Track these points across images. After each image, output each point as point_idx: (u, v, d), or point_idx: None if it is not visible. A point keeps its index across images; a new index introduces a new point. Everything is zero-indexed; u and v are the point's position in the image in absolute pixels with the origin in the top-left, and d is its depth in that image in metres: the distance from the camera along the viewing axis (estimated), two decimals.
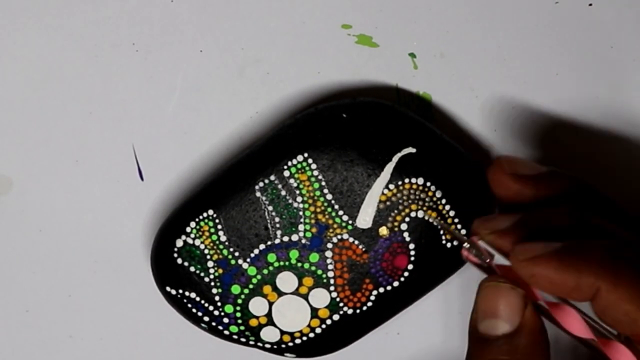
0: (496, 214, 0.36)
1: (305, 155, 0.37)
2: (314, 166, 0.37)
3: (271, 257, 0.38)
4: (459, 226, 0.38)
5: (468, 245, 0.35)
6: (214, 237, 0.38)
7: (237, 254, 0.38)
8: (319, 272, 0.38)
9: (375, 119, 0.38)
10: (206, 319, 0.39)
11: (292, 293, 0.39)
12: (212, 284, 0.38)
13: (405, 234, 0.38)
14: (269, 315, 0.39)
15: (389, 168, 0.37)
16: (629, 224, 0.34)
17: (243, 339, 0.40)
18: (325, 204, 0.38)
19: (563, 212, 0.34)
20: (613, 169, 0.41)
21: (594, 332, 0.32)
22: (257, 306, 0.39)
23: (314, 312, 0.39)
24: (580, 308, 0.33)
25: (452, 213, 0.38)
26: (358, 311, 0.39)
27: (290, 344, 0.39)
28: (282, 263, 0.38)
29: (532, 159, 0.41)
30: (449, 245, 0.38)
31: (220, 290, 0.38)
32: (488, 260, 0.34)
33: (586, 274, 0.31)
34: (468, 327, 0.35)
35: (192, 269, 0.38)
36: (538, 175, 0.36)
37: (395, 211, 0.38)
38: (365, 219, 0.38)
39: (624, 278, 0.30)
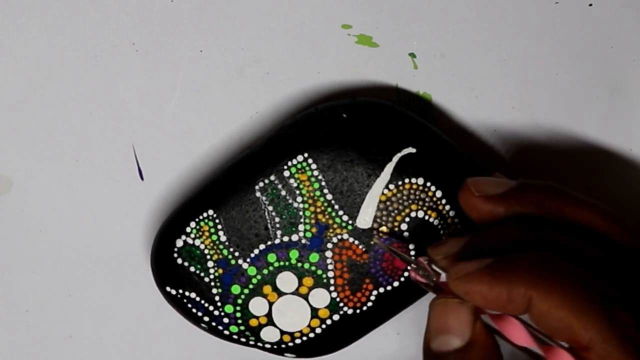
0: (447, 238, 0.36)
1: (305, 155, 0.37)
2: (314, 166, 0.37)
3: (271, 257, 0.38)
4: (459, 226, 0.38)
5: (415, 266, 0.36)
6: (214, 237, 0.38)
7: (237, 254, 0.38)
8: (319, 272, 0.38)
9: (375, 119, 0.38)
10: (206, 319, 0.39)
11: (292, 293, 0.39)
12: (212, 284, 0.38)
13: (405, 234, 0.38)
14: (269, 315, 0.39)
15: (389, 168, 0.37)
16: (596, 238, 0.34)
17: (243, 339, 0.40)
18: (325, 204, 0.38)
19: (512, 229, 0.34)
20: (613, 169, 0.41)
21: (537, 341, 0.32)
22: (257, 306, 0.39)
23: (314, 312, 0.39)
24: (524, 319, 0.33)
25: (452, 213, 0.38)
26: (358, 311, 0.39)
27: (290, 344, 0.39)
28: (282, 263, 0.38)
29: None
30: None
31: (220, 290, 0.38)
32: (435, 279, 0.35)
33: (516, 284, 0.31)
34: (422, 347, 0.35)
35: (192, 269, 0.38)
36: (507, 192, 0.35)
37: (396, 211, 0.38)
38: (365, 219, 0.38)
39: (555, 285, 0.30)
